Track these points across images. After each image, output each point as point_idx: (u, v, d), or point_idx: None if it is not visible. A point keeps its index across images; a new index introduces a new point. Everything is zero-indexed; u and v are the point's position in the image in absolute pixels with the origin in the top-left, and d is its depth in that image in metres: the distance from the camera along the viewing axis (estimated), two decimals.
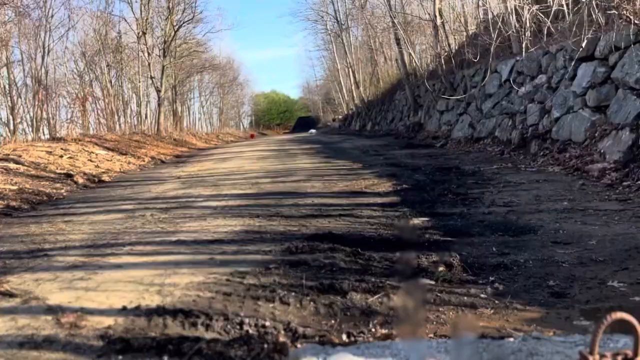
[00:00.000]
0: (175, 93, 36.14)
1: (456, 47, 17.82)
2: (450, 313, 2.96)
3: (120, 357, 2.58)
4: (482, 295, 3.18)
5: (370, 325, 2.82)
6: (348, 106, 42.72)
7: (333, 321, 2.94)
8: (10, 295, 3.71)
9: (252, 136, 52.00)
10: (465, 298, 3.15)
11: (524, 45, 11.41)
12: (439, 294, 3.22)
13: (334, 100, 56.42)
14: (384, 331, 2.67)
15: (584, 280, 3.34)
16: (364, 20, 30.29)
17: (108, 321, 3.09)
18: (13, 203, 8.41)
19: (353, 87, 35.77)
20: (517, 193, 6.43)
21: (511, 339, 1.27)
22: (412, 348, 1.20)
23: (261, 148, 22.96)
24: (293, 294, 3.35)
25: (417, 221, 5.35)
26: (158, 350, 2.60)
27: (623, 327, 1.29)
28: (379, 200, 6.68)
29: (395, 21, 20.50)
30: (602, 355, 1.01)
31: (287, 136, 44.97)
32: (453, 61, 16.14)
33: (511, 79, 12.05)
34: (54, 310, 3.34)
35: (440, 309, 3.01)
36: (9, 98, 18.96)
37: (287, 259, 4.17)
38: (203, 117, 52.55)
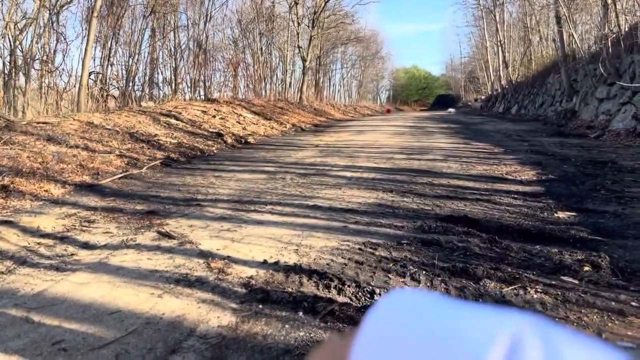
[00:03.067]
0: (319, 64, 37.07)
1: (626, 29, 15.89)
2: (594, 317, 2.76)
3: (260, 306, 2.82)
4: (634, 304, 2.91)
5: None
6: (493, 86, 40.51)
7: None
8: (169, 236, 4.20)
9: (388, 111, 51.75)
10: (613, 303, 2.91)
11: None
12: (582, 295, 3.01)
13: (477, 79, 53.80)
14: None
15: None
16: None
17: (250, 272, 3.37)
18: (173, 155, 9.38)
19: (501, 67, 33.75)
20: None
21: None
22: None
23: (397, 123, 22.80)
24: (424, 272, 3.36)
25: (562, 215, 4.99)
26: (294, 305, 2.79)
27: None
28: (520, 188, 6.33)
29: None
30: None
31: (424, 113, 44.05)
32: (622, 44, 14.43)
33: None
34: (205, 255, 3.72)
35: (583, 311, 2.82)
36: (173, 59, 20.93)
37: (420, 237, 4.17)
38: (342, 88, 53.41)
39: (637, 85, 12.77)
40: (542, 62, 27.83)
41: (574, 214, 5.05)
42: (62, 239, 4.24)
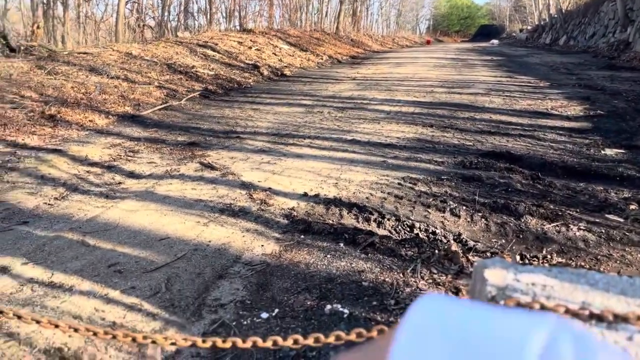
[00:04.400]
0: None
1: None
2: (638, 255, 2.73)
3: (302, 236, 2.89)
4: None
5: (545, 252, 2.73)
6: (540, 16, 38.35)
7: (504, 241, 2.91)
8: (212, 167, 4.28)
9: (428, 42, 49.93)
10: None
11: None
12: (627, 233, 2.96)
13: (524, 8, 50.93)
14: (561, 260, 2.58)
15: None
16: None
17: (291, 203, 3.43)
18: (210, 87, 9.39)
19: None
20: None
21: None
22: (611, 282, 1.15)
23: (437, 55, 22.05)
24: (464, 207, 3.35)
25: (609, 152, 4.84)
26: (335, 237, 2.85)
27: None
28: (566, 124, 6.12)
29: None
30: None
31: (465, 45, 42.35)
32: None
33: None
34: (247, 186, 3.80)
35: (627, 249, 2.79)
36: None
37: (460, 173, 4.13)
38: (380, 18, 51.56)
39: None
40: None
41: (622, 151, 4.88)
42: (110, 167, 4.38)
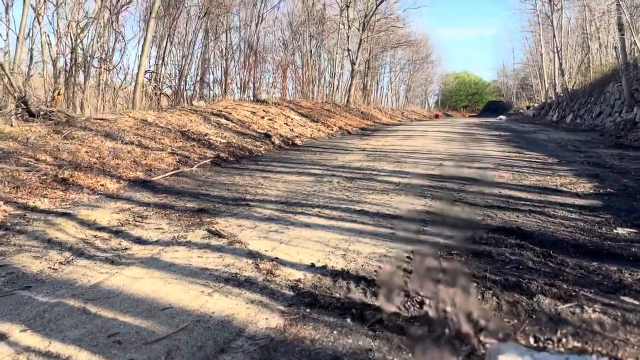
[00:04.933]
0: (368, 67, 36.97)
1: None
2: None
3: (307, 310, 2.82)
4: None
5: (559, 334, 2.63)
6: (547, 94, 39.27)
7: (516, 321, 2.81)
8: (219, 235, 4.26)
9: (436, 116, 51.03)
10: None
11: None
12: None
13: (530, 86, 52.28)
14: (576, 344, 2.47)
15: None
16: (582, 0, 27.22)
17: (298, 274, 3.37)
18: (222, 154, 9.55)
19: (556, 74, 32.67)
20: None
21: None
22: None
23: (446, 129, 22.44)
24: (475, 284, 3.27)
25: (622, 231, 4.77)
26: (342, 311, 2.78)
27: None
28: (576, 201, 6.09)
29: (622, 3, 18.03)
30: None
31: (473, 120, 43.20)
32: None
33: None
34: (254, 255, 3.76)
35: None
36: (224, 60, 21.34)
37: (470, 248, 4.07)
38: (390, 92, 53.04)
39: None
40: (601, 70, 26.76)
41: (635, 230, 4.81)
42: (117, 232, 4.38)
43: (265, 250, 3.87)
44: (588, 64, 29.19)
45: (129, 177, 6.83)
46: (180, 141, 9.80)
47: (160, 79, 17.49)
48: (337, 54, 30.61)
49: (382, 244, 4.16)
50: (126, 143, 8.49)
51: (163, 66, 17.86)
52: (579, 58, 31.49)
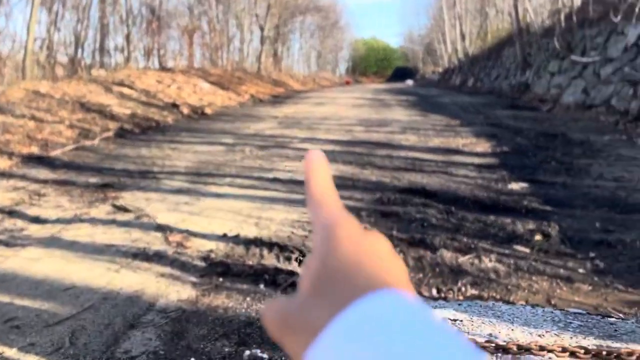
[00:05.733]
0: (278, 33, 36.43)
1: (579, 4, 16.29)
2: (544, 283, 2.88)
3: (220, 279, 2.80)
4: (581, 270, 3.06)
5: (460, 284, 2.82)
6: (450, 59, 40.95)
7: (421, 275, 2.98)
8: (125, 210, 4.09)
9: (347, 83, 51.64)
10: (562, 271, 3.05)
11: None
12: (533, 263, 3.13)
13: (435, 52, 54.21)
14: (474, 292, 2.67)
15: None
16: None
17: (210, 245, 3.33)
18: (126, 126, 9.09)
19: (458, 40, 34.09)
20: (629, 168, 5.96)
21: (623, 321, 1.22)
22: (516, 313, 1.20)
23: (356, 95, 22.81)
24: None
25: (515, 186, 5.16)
26: (255, 278, 2.79)
27: None
28: (476, 160, 6.48)
29: None
30: None
31: (383, 85, 44.22)
32: (574, 18, 14.80)
33: (639, 44, 10.90)
34: (163, 229, 3.66)
35: (534, 278, 2.94)
36: (125, 26, 20.10)
37: (379, 209, 4.22)
38: (301, 59, 52.86)
39: (587, 59, 13.19)
40: (498, 36, 28.26)
41: (526, 185, 5.22)
42: (11, 213, 4.07)
43: (175, 223, 3.77)
44: (486, 30, 30.70)
45: (22, 153, 6.33)
46: (80, 113, 9.19)
47: (53, 46, 16.16)
48: (245, 19, 29.86)
49: (294, 210, 4.20)
50: (17, 116, 7.83)
51: (56, 32, 16.50)
52: (478, 24, 33.02)
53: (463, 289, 2.73)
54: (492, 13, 30.11)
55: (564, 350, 1.08)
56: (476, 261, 3.16)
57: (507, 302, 2.60)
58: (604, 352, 1.07)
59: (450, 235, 3.58)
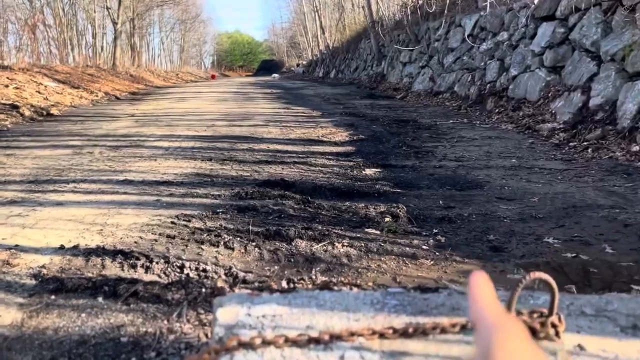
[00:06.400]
0: (134, 27, 34.44)
1: None
2: (392, 263, 3.01)
3: (52, 296, 2.52)
4: (424, 247, 3.25)
5: (312, 273, 2.84)
6: (313, 52, 41.95)
7: (276, 267, 2.95)
8: None
9: (213, 77, 50.58)
10: (408, 249, 3.21)
11: (489, 0, 11.32)
12: (382, 244, 3.26)
13: (299, 44, 55.18)
14: (324, 278, 2.70)
15: (522, 235, 3.45)
16: None
17: (43, 260, 3.00)
18: None
19: (319, 33, 35.01)
20: (469, 148, 6.53)
21: (436, 293, 1.27)
22: (338, 300, 1.18)
23: (221, 90, 22.40)
24: (238, 239, 3.34)
25: (369, 172, 5.38)
26: (93, 291, 2.55)
27: (546, 287, 1.33)
28: (334, 149, 6.66)
29: None
30: (518, 312, 1.02)
31: (249, 79, 44.00)
32: (419, 12, 15.91)
33: (474, 34, 12.03)
34: None
35: (382, 259, 3.06)
36: None
37: (236, 204, 4.13)
38: (163, 53, 50.68)
39: (432, 49, 14.25)
40: (355, 29, 29.48)
41: (379, 170, 5.47)
42: None
43: (3, 239, 3.34)
44: (344, 23, 31.88)
45: None
46: None
47: None
48: (95, 12, 27.81)
49: (145, 212, 3.95)
50: None
51: None
52: (336, 17, 34.16)
53: (314, 277, 2.75)
54: (348, 6, 31.32)
55: (374, 332, 1.09)
56: (330, 247, 3.21)
57: (355, 285, 2.67)
58: (411, 329, 1.09)
59: (306, 225, 3.61)
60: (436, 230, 3.57)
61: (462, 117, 9.26)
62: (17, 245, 3.21)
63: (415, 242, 3.34)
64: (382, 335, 1.08)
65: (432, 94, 12.94)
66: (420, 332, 1.09)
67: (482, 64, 11.14)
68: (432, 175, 5.18)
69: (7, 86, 13.19)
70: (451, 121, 8.91)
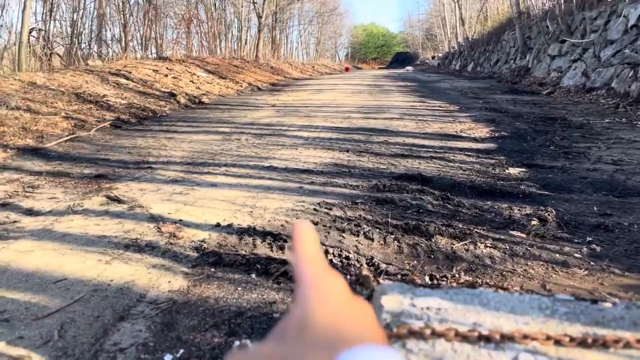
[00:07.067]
0: (275, 20, 36.16)
1: None
2: (540, 269, 2.85)
3: (212, 269, 2.78)
4: (577, 255, 3.03)
5: (454, 271, 2.79)
6: (450, 44, 40.66)
7: (416, 262, 2.95)
8: (119, 201, 4.06)
9: (347, 69, 51.35)
10: (558, 255, 3.02)
11: None
12: (529, 248, 3.10)
13: (435, 36, 53.85)
14: (468, 278, 2.64)
15: None
16: None
17: (203, 235, 3.31)
18: (123, 116, 9.04)
19: (458, 24, 33.81)
20: (628, 152, 5.91)
21: (609, 305, 1.19)
22: (502, 300, 1.16)
23: (355, 82, 22.67)
24: (377, 230, 3.38)
25: (513, 171, 5.12)
26: (247, 268, 2.76)
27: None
28: (474, 145, 6.43)
29: None
30: None
31: (382, 71, 43.96)
32: (574, 1, 14.64)
33: (639, 25, 10.79)
34: (156, 219, 3.63)
35: (529, 263, 2.91)
36: (122, 15, 19.94)
37: (374, 196, 4.18)
38: (300, 46, 52.52)
39: (587, 41, 13.06)
40: (498, 19, 28.03)
41: (524, 169, 5.18)
42: (4, 205, 4.04)
43: (169, 213, 3.74)
44: (486, 14, 30.43)
45: (17, 145, 6.29)
46: (76, 104, 9.14)
47: (49, 37, 16.04)
48: (242, 7, 29.62)
49: (289, 198, 4.17)
50: (12, 108, 7.77)
51: (52, 23, 16.36)
52: (478, 8, 32.72)
53: (457, 275, 2.70)
54: None
55: (549, 338, 1.05)
56: (471, 247, 3.13)
57: (501, 288, 2.58)
58: (590, 340, 1.04)
59: (446, 222, 3.55)
60: (590, 239, 3.31)
61: (619, 117, 8.38)
62: (180, 220, 3.58)
63: (567, 249, 3.13)
64: (557, 342, 1.04)
65: (584, 90, 11.88)
66: (600, 344, 1.04)
67: None
68: (585, 179, 4.78)
69: (166, 76, 14.63)
70: (607, 120, 8.11)
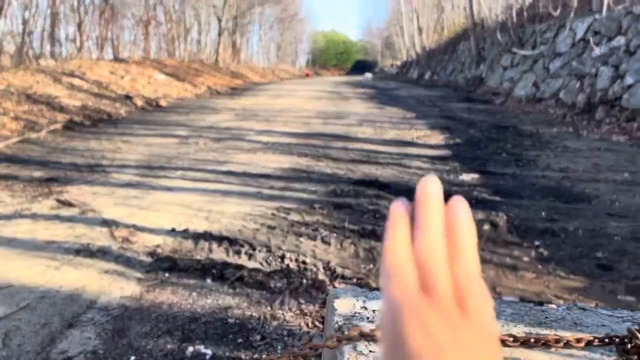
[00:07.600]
0: (236, 24, 35.94)
1: (530, 0, 16.75)
2: (491, 272, 2.94)
3: (166, 274, 2.73)
4: (525, 259, 3.14)
5: None
6: (408, 53, 41.42)
7: (372, 266, 2.99)
8: (70, 204, 3.94)
9: (307, 75, 51.54)
10: (508, 259, 3.12)
11: (605, 2, 10.58)
12: (481, 252, 3.18)
13: (394, 45, 54.73)
14: None
15: (635, 255, 3.22)
16: None
17: (157, 240, 3.25)
18: (76, 118, 8.78)
19: (415, 33, 34.51)
20: (575, 159, 6.17)
21: (554, 306, 1.24)
22: None
23: (315, 88, 22.78)
24: (335, 235, 3.41)
25: (466, 177, 5.26)
26: (202, 273, 2.73)
27: None
28: (429, 152, 6.57)
29: None
30: None
31: (342, 78, 44.34)
32: (525, 14, 15.21)
33: (586, 38, 11.30)
34: (109, 224, 3.54)
35: (481, 267, 2.99)
36: (77, 14, 19.38)
37: (332, 201, 4.21)
38: (261, 51, 52.38)
39: (537, 53, 13.58)
40: (454, 30, 28.75)
41: (477, 176, 5.32)
42: None
43: (122, 218, 3.66)
44: (443, 24, 31.19)
45: None
46: (26, 104, 8.81)
47: None
48: (202, 9, 29.32)
49: (247, 202, 4.15)
50: None
51: (2, 20, 15.73)
52: (435, 18, 33.49)
53: None
54: (448, 7, 30.61)
55: None
56: None
57: None
58: (532, 340, 1.08)
59: None
60: (538, 243, 3.43)
61: (567, 126, 8.75)
62: (134, 225, 3.51)
63: (516, 253, 3.24)
64: (502, 342, 1.08)
65: (534, 101, 12.34)
66: (542, 344, 1.08)
67: (594, 70, 10.44)
68: (534, 185, 4.96)
69: (122, 77, 14.30)
70: (555, 130, 8.45)
